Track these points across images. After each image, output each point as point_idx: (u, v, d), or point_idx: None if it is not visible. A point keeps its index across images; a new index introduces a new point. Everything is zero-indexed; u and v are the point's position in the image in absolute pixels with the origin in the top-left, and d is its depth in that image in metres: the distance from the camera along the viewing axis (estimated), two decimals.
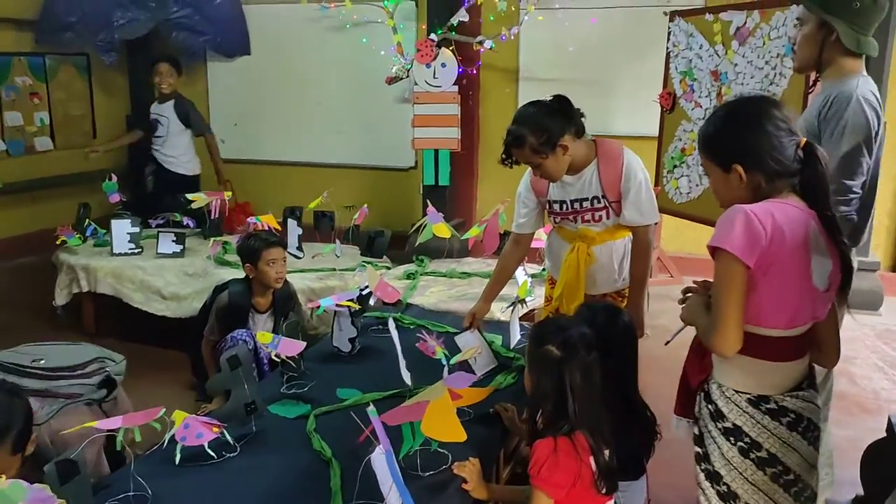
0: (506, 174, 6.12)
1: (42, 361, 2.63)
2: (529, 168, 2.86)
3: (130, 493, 1.91)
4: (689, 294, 1.88)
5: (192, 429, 2.11)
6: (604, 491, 1.84)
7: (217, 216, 4.65)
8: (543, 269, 4.14)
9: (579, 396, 1.85)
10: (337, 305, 2.92)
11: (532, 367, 1.95)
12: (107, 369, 2.75)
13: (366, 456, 1.75)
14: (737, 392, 1.78)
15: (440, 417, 1.99)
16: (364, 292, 3.16)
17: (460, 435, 1.94)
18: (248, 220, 4.14)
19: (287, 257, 3.58)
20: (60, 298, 4.41)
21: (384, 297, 3.15)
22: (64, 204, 5.80)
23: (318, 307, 2.94)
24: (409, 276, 4.04)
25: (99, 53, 6.25)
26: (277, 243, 3.49)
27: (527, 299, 3.26)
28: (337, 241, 4.23)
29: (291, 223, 4.16)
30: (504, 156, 2.77)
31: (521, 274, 3.63)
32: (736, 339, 1.67)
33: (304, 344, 2.56)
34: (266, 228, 4.05)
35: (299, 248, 4.20)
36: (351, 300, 2.96)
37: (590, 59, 6.07)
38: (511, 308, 3.36)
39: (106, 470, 2.45)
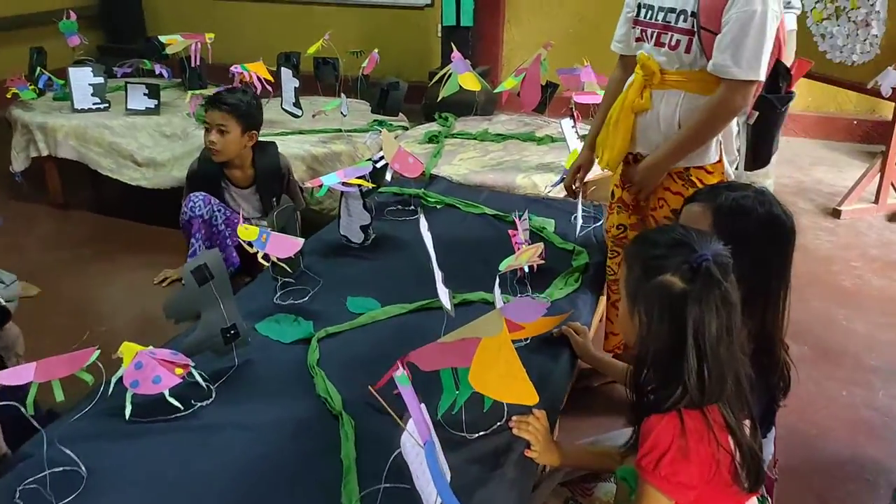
0: (539, 14, 5.19)
1: None
2: None
3: (48, 472, 1.31)
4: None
5: (147, 370, 1.50)
6: (747, 486, 1.23)
7: (198, 63, 3.86)
8: None
9: (716, 349, 1.21)
10: (344, 184, 2.24)
11: (637, 303, 1.29)
12: None
13: (392, 406, 1.13)
14: None
15: (497, 365, 1.37)
16: (378, 165, 2.47)
17: (529, 395, 1.32)
18: (232, 69, 3.36)
19: (238, 129, 2.81)
20: (18, 163, 3.72)
21: (404, 171, 2.46)
22: (14, 50, 4.85)
23: (321, 186, 2.25)
24: (431, 138, 3.32)
25: None
26: (216, 104, 2.77)
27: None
28: (342, 94, 3.47)
29: (286, 73, 3.38)
30: None
31: (570, 135, 2.91)
32: None
33: (301, 242, 1.90)
34: (254, 80, 3.29)
35: (296, 105, 3.45)
36: (362, 177, 2.27)
37: None
38: (557, 185, 2.68)
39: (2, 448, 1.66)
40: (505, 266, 1.81)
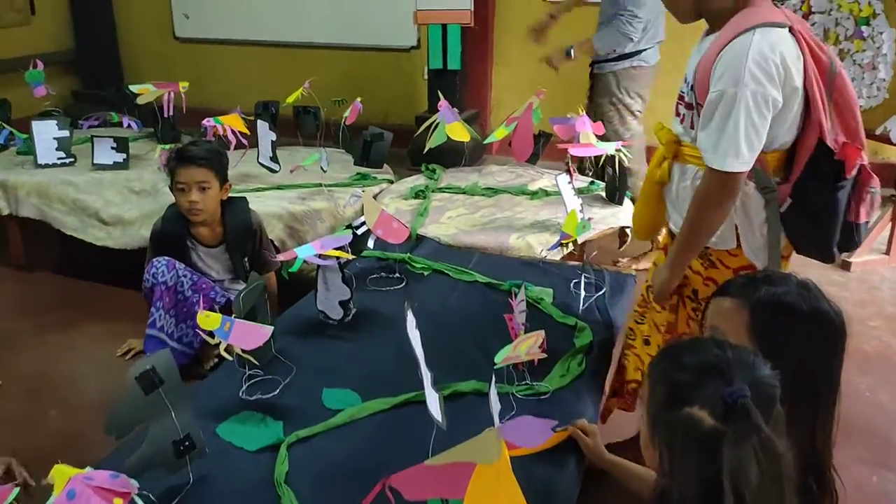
0: (528, 55, 4.96)
1: None
2: None
3: None
4: None
5: (81, 499, 1.27)
6: None
7: (172, 114, 3.66)
8: (593, 183, 3.23)
9: (752, 493, 0.99)
10: (320, 256, 2.02)
11: (658, 431, 1.08)
12: None
13: None
14: None
15: (496, 497, 1.15)
16: (359, 231, 2.26)
17: None
18: (205, 122, 3.15)
19: (217, 184, 2.62)
20: None
21: (388, 237, 2.25)
22: None
23: (295, 259, 2.03)
24: (417, 193, 3.11)
25: None
26: (192, 160, 2.56)
27: (582, 235, 2.38)
28: (322, 149, 3.26)
29: (262, 126, 3.17)
30: None
31: (567, 192, 2.72)
32: None
33: (270, 331, 1.67)
34: (228, 133, 3.09)
35: (273, 159, 3.24)
36: (341, 248, 2.06)
37: None
38: (555, 248, 2.48)
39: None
40: (501, 358, 1.59)
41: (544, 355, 1.68)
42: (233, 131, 3.10)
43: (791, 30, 1.55)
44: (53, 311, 3.21)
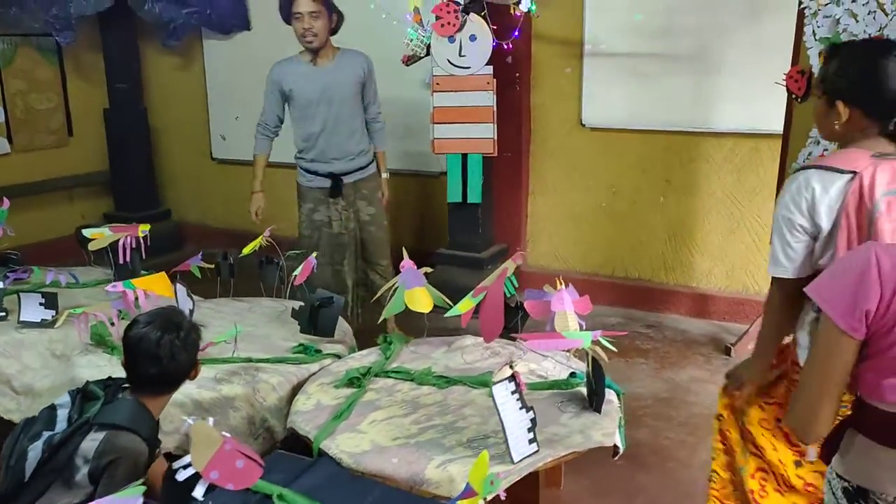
0: (568, 184, 4.36)
1: None
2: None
3: None
4: None
5: None
6: None
7: (127, 259, 3.29)
8: (574, 375, 2.55)
9: None
10: None
11: None
12: None
13: None
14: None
15: None
16: (182, 476, 1.69)
17: None
18: (109, 288, 2.70)
19: None
20: None
21: (227, 481, 1.67)
22: None
23: None
24: (351, 380, 2.52)
25: (53, 33, 4.99)
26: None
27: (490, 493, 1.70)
28: (238, 326, 2.71)
29: (181, 290, 2.71)
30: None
31: (507, 410, 2.06)
32: (826, 425, 1.32)
33: None
34: (140, 299, 2.63)
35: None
36: None
37: (684, 24, 4.26)
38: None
39: None
40: None
41: None
42: (145, 294, 2.63)
43: (855, 176, 1.72)
44: None
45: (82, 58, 5.69)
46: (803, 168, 1.81)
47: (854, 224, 1.71)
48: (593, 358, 2.28)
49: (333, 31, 3.68)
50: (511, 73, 4.61)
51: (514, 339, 2.78)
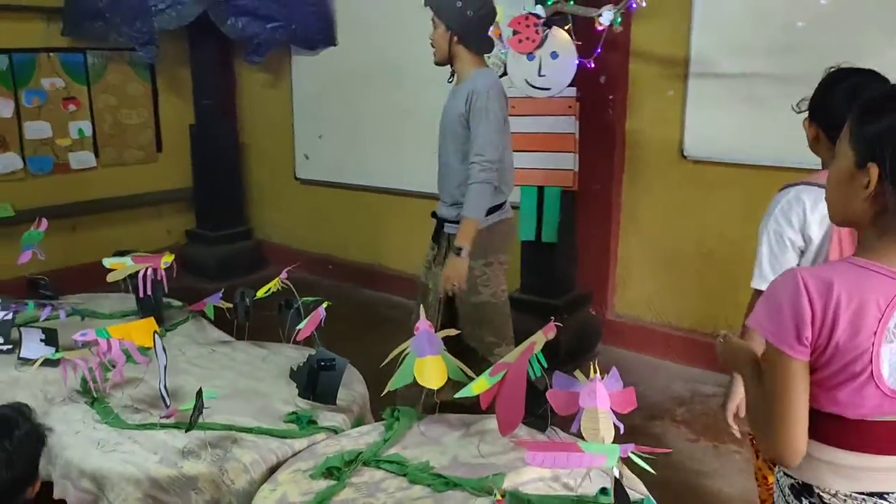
0: (663, 224, 4.05)
1: None
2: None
3: None
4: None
5: None
6: None
7: (149, 293, 3.03)
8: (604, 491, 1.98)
9: None
10: None
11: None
12: None
13: None
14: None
15: None
16: None
17: None
18: (77, 337, 2.39)
19: None
20: None
21: None
22: None
23: None
24: (329, 471, 2.07)
25: (136, 47, 4.92)
26: None
27: None
28: (199, 393, 2.28)
29: (159, 343, 2.36)
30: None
31: None
32: (802, 444, 1.34)
33: None
34: (113, 352, 2.32)
35: (167, 389, 2.36)
36: None
37: (809, 41, 3.53)
38: None
39: None
40: None
41: None
42: (120, 348, 2.31)
43: None
44: None
45: (174, 73, 5.66)
46: (792, 184, 1.91)
47: (846, 235, 1.79)
48: (617, 481, 1.71)
49: (466, 47, 2.90)
50: (604, 94, 4.05)
51: (544, 430, 2.26)
